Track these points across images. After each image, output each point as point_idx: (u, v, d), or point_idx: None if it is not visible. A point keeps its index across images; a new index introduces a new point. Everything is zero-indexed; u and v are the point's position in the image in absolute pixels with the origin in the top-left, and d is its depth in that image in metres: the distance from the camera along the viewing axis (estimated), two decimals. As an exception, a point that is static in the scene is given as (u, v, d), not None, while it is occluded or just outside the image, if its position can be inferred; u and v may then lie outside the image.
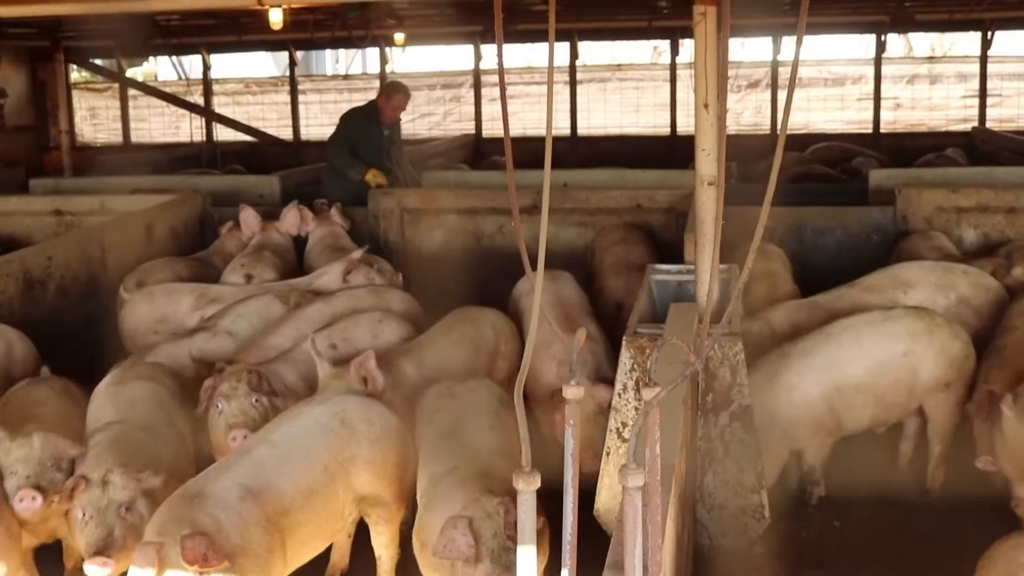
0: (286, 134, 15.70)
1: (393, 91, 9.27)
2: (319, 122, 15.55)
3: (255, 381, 4.75)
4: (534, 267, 2.28)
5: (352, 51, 25.14)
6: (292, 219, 7.88)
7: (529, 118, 16.25)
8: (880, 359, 5.30)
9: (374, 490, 4.26)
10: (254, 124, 15.93)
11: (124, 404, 4.64)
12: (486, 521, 3.49)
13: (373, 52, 17.78)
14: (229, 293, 6.56)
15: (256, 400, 4.71)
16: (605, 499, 4.27)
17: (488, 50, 15.18)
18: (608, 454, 4.32)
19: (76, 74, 17.48)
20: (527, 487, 2.09)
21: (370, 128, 9.14)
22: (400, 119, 9.52)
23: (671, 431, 3.25)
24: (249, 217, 7.88)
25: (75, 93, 16.51)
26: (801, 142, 12.93)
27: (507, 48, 20.06)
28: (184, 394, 4.98)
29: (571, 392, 2.24)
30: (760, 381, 5.04)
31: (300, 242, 7.99)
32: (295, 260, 7.75)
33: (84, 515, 3.90)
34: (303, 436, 4.12)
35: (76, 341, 6.53)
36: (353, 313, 5.89)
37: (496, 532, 3.47)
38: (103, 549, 3.77)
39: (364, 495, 4.24)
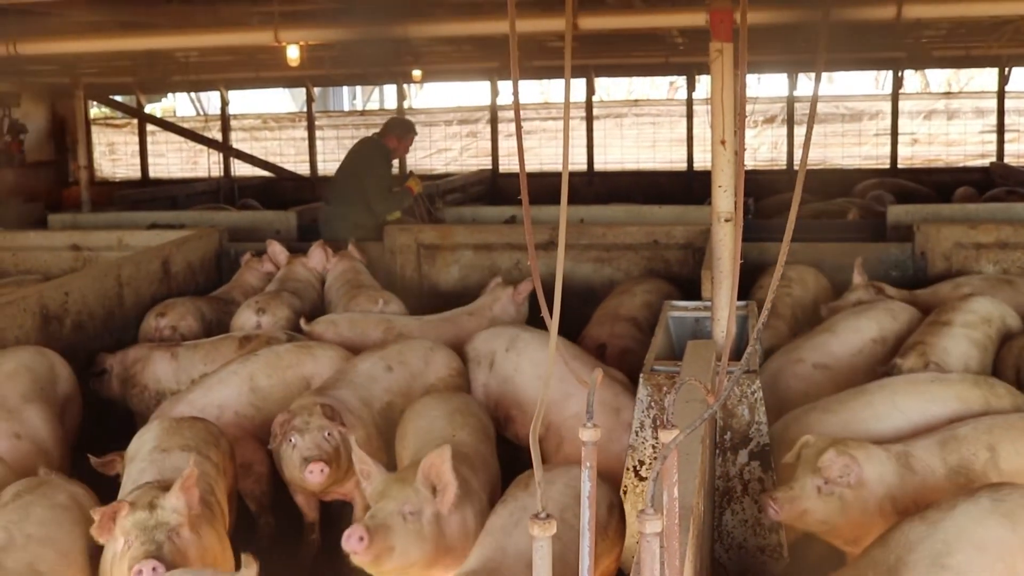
0: (303, 169, 15.78)
1: (406, 132, 9.30)
2: (336, 157, 15.51)
3: (329, 412, 4.75)
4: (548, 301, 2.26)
5: (369, 87, 25.33)
6: (319, 256, 7.89)
7: (545, 153, 16.31)
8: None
9: None
10: (271, 160, 16.01)
11: (169, 471, 4.25)
12: None
13: (390, 88, 17.90)
14: (414, 324, 6.59)
15: (329, 434, 4.68)
16: (622, 538, 4.23)
17: (505, 86, 15.26)
18: (625, 492, 4.28)
19: (95, 110, 17.64)
20: (543, 533, 2.06)
21: (387, 167, 9.21)
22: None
23: (689, 472, 3.21)
24: (277, 251, 7.94)
25: (94, 129, 16.64)
26: (818, 177, 12.86)
27: (523, 84, 20.20)
28: (225, 463, 4.71)
29: (588, 434, 2.21)
30: None
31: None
32: (318, 296, 7.75)
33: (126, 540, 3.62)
34: None
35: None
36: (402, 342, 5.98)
37: None
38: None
39: None
